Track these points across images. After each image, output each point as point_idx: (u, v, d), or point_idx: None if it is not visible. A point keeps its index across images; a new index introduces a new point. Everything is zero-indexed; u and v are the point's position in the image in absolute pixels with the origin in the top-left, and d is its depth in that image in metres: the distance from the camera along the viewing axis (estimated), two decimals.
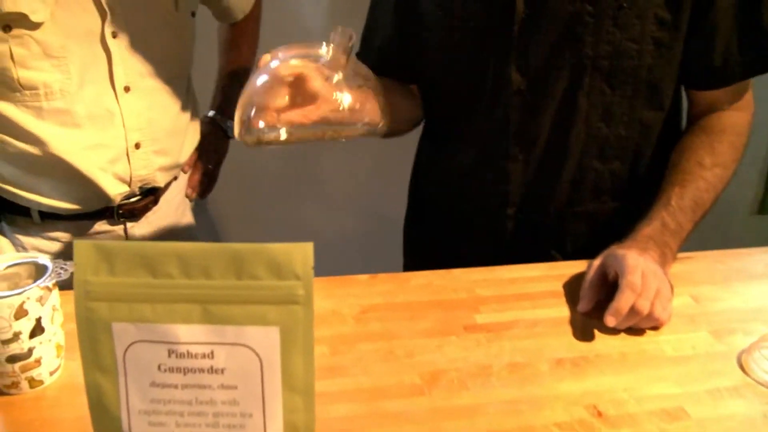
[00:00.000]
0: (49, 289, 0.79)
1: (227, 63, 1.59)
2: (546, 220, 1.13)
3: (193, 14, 1.32)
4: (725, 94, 1.08)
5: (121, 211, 1.28)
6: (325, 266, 2.21)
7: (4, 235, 1.29)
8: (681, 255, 1.02)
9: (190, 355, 0.56)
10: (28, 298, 0.76)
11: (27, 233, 1.27)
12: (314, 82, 0.87)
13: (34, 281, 0.79)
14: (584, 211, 1.13)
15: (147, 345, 0.56)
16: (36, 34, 1.10)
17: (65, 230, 1.27)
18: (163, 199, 1.36)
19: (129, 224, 1.31)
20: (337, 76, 0.88)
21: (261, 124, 0.90)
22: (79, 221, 1.27)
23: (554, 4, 1.01)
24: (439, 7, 1.09)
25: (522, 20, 1.02)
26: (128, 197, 1.28)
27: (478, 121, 1.12)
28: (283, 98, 0.89)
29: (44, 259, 0.82)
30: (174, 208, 1.41)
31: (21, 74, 1.11)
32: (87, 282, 0.56)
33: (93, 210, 1.26)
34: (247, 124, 0.90)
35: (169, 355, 0.56)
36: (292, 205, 2.29)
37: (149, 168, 1.28)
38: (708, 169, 1.04)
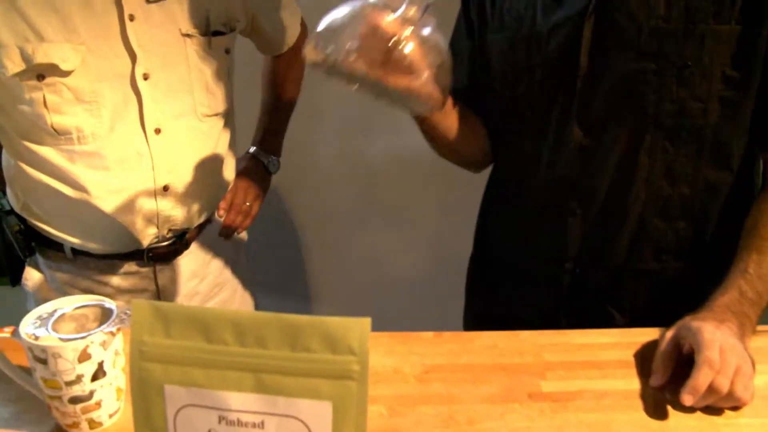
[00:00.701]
0: (113, 334, 0.79)
1: (270, 98, 1.56)
2: (604, 277, 1.10)
3: (228, 51, 1.29)
4: None
5: (150, 254, 1.27)
6: (388, 304, 2.21)
7: (38, 268, 1.30)
8: (762, 328, 0.96)
9: (240, 423, 0.55)
10: (92, 342, 0.77)
11: (59, 267, 1.28)
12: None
13: (100, 324, 0.80)
14: (644, 270, 1.09)
15: (198, 410, 0.55)
16: (68, 80, 1.11)
17: (96, 267, 1.27)
18: (196, 243, 1.34)
19: (159, 266, 1.30)
20: (407, 31, 0.84)
21: (330, 52, 0.86)
22: (109, 260, 1.26)
23: (616, 61, 0.99)
24: (505, 58, 1.09)
25: (584, 76, 1.01)
26: (159, 240, 1.26)
27: (540, 174, 1.11)
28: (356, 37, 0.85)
29: (110, 303, 0.83)
30: (208, 251, 1.38)
31: (54, 120, 1.13)
32: (142, 342, 0.56)
33: (123, 252, 1.25)
34: (320, 45, 0.87)
35: (220, 422, 0.55)
36: (360, 242, 2.30)
37: (178, 211, 1.26)
38: None
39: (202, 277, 1.37)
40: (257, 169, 1.51)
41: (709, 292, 0.97)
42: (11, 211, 1.28)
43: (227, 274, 1.43)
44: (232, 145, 1.38)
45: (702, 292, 0.98)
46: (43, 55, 1.08)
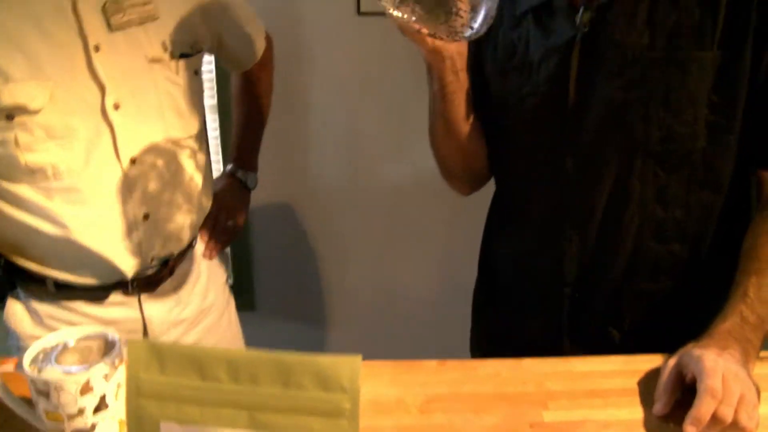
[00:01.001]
0: (115, 366, 0.80)
1: (242, 114, 1.56)
2: (602, 300, 1.10)
3: (196, 72, 1.28)
4: None
5: (135, 284, 1.25)
6: (397, 327, 2.21)
7: (20, 302, 1.28)
8: (766, 354, 0.95)
9: None
10: (94, 375, 0.78)
11: (42, 301, 1.25)
12: None
13: (103, 356, 0.81)
14: (642, 291, 1.09)
15: None
16: (38, 118, 1.10)
17: (80, 299, 1.25)
18: (180, 268, 1.33)
19: (144, 295, 1.28)
20: None
21: None
22: (94, 292, 1.25)
23: (603, 90, 1.00)
24: (498, 86, 1.12)
25: (573, 105, 1.03)
26: (143, 269, 1.25)
27: (535, 199, 1.12)
28: None
29: (113, 334, 0.83)
30: (192, 275, 1.37)
31: (28, 158, 1.11)
32: (138, 378, 0.56)
33: (107, 283, 1.24)
34: None
35: None
36: (369, 265, 2.31)
37: (160, 238, 1.25)
38: None
39: (187, 303, 1.35)
40: (235, 186, 1.51)
41: (708, 309, 0.97)
42: None
43: (212, 296, 1.42)
44: (208, 165, 1.36)
45: (701, 309, 0.98)
46: (8, 96, 1.07)
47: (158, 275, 1.27)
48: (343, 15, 2.02)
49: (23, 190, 1.14)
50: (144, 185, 1.20)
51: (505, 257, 1.24)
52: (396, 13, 0.84)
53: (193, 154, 1.29)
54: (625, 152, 1.02)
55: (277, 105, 2.11)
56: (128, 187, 1.19)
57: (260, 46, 1.45)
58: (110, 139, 1.16)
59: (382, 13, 0.90)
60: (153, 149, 1.20)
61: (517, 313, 1.21)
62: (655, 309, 1.09)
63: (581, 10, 1.00)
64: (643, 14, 0.97)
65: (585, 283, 1.10)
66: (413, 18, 0.84)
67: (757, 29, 0.94)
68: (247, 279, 2.32)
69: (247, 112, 1.56)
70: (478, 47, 1.14)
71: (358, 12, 2.01)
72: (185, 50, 1.23)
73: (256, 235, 2.27)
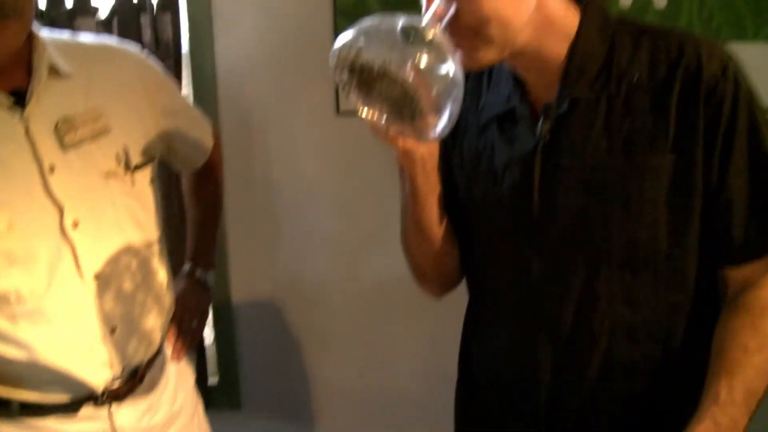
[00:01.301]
0: None
1: (195, 213, 1.58)
2: (579, 402, 1.10)
3: (152, 181, 1.31)
4: (756, 269, 1.03)
5: (105, 396, 1.24)
6: (383, 421, 2.17)
7: None
8: None
9: None
10: None
11: (6, 423, 1.21)
12: None
13: None
14: (618, 392, 1.08)
15: None
16: None
17: (48, 416, 1.22)
18: (149, 375, 1.32)
19: (114, 406, 1.26)
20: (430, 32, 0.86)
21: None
22: (62, 409, 1.22)
23: (564, 200, 1.03)
24: (465, 193, 1.15)
25: (538, 212, 1.05)
26: (113, 380, 1.24)
27: (506, 305, 1.14)
28: None
29: None
30: (160, 381, 1.36)
31: None
32: None
33: (77, 398, 1.22)
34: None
35: None
36: (355, 359, 2.29)
37: (128, 350, 1.24)
38: (755, 353, 0.98)
39: (157, 409, 1.34)
40: (196, 287, 1.53)
41: (685, 409, 0.98)
42: None
43: (181, 399, 1.41)
44: (169, 268, 1.37)
45: (678, 409, 0.99)
46: None
47: (128, 384, 1.26)
48: (323, 114, 2.09)
49: None
50: (109, 299, 1.20)
51: (482, 359, 1.24)
52: (366, 111, 0.87)
53: (154, 261, 1.31)
54: (589, 258, 1.04)
55: (260, 201, 2.17)
56: (93, 303, 1.19)
57: (208, 145, 1.49)
58: (71, 258, 1.16)
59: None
60: (115, 262, 1.21)
61: (497, 415, 1.21)
62: (633, 409, 1.08)
63: (541, 120, 1.04)
64: (600, 123, 1.01)
65: (561, 388, 1.10)
66: (382, 117, 0.88)
67: (705, 132, 0.98)
68: (233, 377, 2.30)
69: (201, 211, 1.58)
70: (446, 153, 1.17)
71: (338, 111, 2.08)
72: (138, 161, 1.25)
73: (242, 333, 2.26)
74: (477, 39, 0.95)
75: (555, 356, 1.09)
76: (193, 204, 1.58)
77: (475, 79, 1.15)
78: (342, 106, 2.07)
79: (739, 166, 0.99)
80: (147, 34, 1.97)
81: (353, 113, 2.00)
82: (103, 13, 1.97)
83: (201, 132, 1.47)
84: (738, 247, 1.02)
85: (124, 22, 1.97)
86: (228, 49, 2.05)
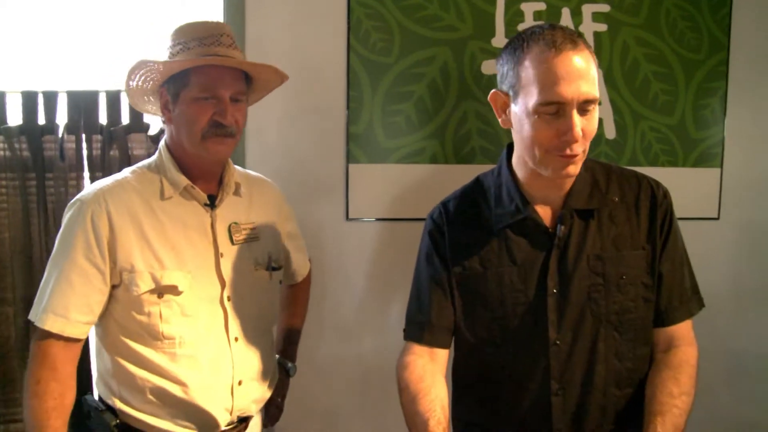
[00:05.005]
0: None
1: (287, 316, 1.95)
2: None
3: (280, 282, 1.71)
4: (677, 330, 1.43)
5: None
6: None
7: None
8: None
9: None
10: None
11: None
12: None
13: None
14: (609, 422, 1.43)
15: None
16: (178, 299, 1.46)
17: None
18: (251, 424, 1.65)
19: None
20: None
21: None
22: None
23: (576, 282, 1.40)
24: (496, 284, 1.44)
25: (553, 293, 1.41)
26: (229, 424, 1.56)
27: (524, 368, 1.44)
28: None
29: None
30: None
31: (164, 328, 1.46)
32: None
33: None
34: None
35: None
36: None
37: (247, 400, 1.57)
38: (677, 397, 1.34)
39: None
40: (282, 374, 1.85)
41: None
42: (107, 408, 1.53)
43: None
44: (274, 352, 1.76)
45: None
46: (167, 279, 1.44)
47: (237, 429, 1.59)
48: (335, 220, 2.42)
49: (150, 353, 1.46)
50: (242, 358, 1.55)
51: (482, 412, 1.52)
52: None
53: (270, 337, 1.70)
54: (593, 323, 1.40)
55: None
56: (231, 358, 1.53)
57: (306, 266, 1.93)
58: (223, 322, 1.53)
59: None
60: (250, 332, 1.57)
61: None
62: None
63: (559, 225, 1.40)
64: (594, 227, 1.41)
65: (569, 429, 1.42)
66: None
67: (660, 232, 1.41)
68: None
69: (291, 315, 1.95)
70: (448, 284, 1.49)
71: (347, 218, 2.42)
72: (275, 264, 1.65)
73: None
74: (583, 153, 1.32)
75: (565, 403, 1.41)
76: (286, 309, 1.96)
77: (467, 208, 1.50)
78: (351, 215, 2.41)
79: (669, 256, 1.42)
80: None
81: (360, 219, 2.37)
82: (153, 130, 2.29)
83: (304, 256, 1.90)
84: (667, 313, 1.43)
85: None
86: (256, 155, 2.34)
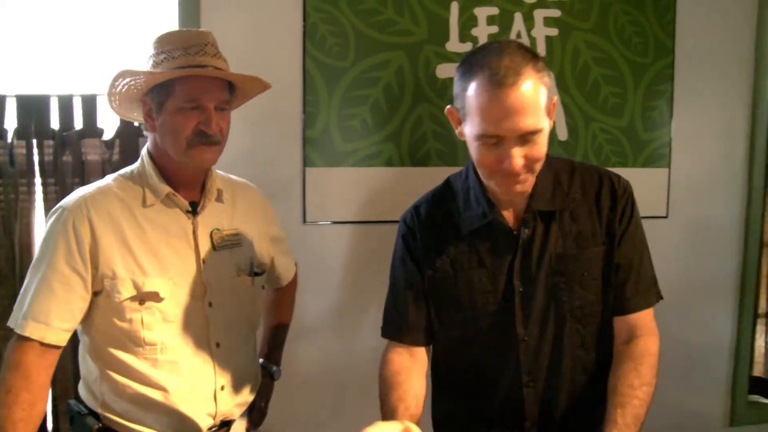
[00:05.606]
0: None
1: (272, 319, 1.95)
2: (555, 427, 1.48)
3: (263, 287, 1.73)
4: (638, 319, 1.46)
5: None
6: None
7: None
8: None
9: None
10: None
11: None
12: None
13: None
14: (579, 408, 1.49)
15: None
16: (160, 305, 1.47)
17: None
18: (234, 427, 1.65)
19: None
20: None
21: None
22: None
23: (541, 281, 1.45)
24: (467, 286, 1.49)
25: (520, 293, 1.46)
26: (212, 427, 1.57)
27: (496, 363, 1.49)
28: None
29: None
30: None
31: (146, 334, 1.46)
32: None
33: None
34: None
35: None
36: None
37: (229, 405, 1.58)
38: (638, 388, 1.39)
39: None
40: (266, 378, 1.85)
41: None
42: (89, 413, 1.53)
43: None
44: (257, 357, 1.77)
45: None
46: (149, 285, 1.44)
47: None
48: (292, 224, 2.40)
49: (132, 360, 1.46)
50: (224, 364, 1.56)
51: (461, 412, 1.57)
52: None
53: (254, 341, 1.70)
54: (558, 318, 1.45)
55: None
56: (213, 364, 1.54)
57: (292, 270, 1.93)
58: (205, 327, 1.53)
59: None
60: (231, 338, 1.58)
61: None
62: (584, 417, 1.49)
63: (523, 228, 1.44)
64: (556, 227, 1.45)
65: (541, 417, 1.48)
66: None
67: (619, 224, 1.46)
68: None
69: (276, 318, 1.95)
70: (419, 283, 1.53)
71: (304, 221, 2.42)
72: (257, 270, 1.66)
73: None
74: (531, 173, 1.35)
75: (536, 394, 1.47)
76: (271, 313, 1.95)
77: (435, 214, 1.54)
78: (308, 218, 2.41)
79: (628, 245, 1.46)
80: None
81: (317, 222, 2.38)
82: (107, 135, 2.27)
83: (289, 260, 1.89)
84: (626, 302, 1.47)
85: (125, 143, 2.27)
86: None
